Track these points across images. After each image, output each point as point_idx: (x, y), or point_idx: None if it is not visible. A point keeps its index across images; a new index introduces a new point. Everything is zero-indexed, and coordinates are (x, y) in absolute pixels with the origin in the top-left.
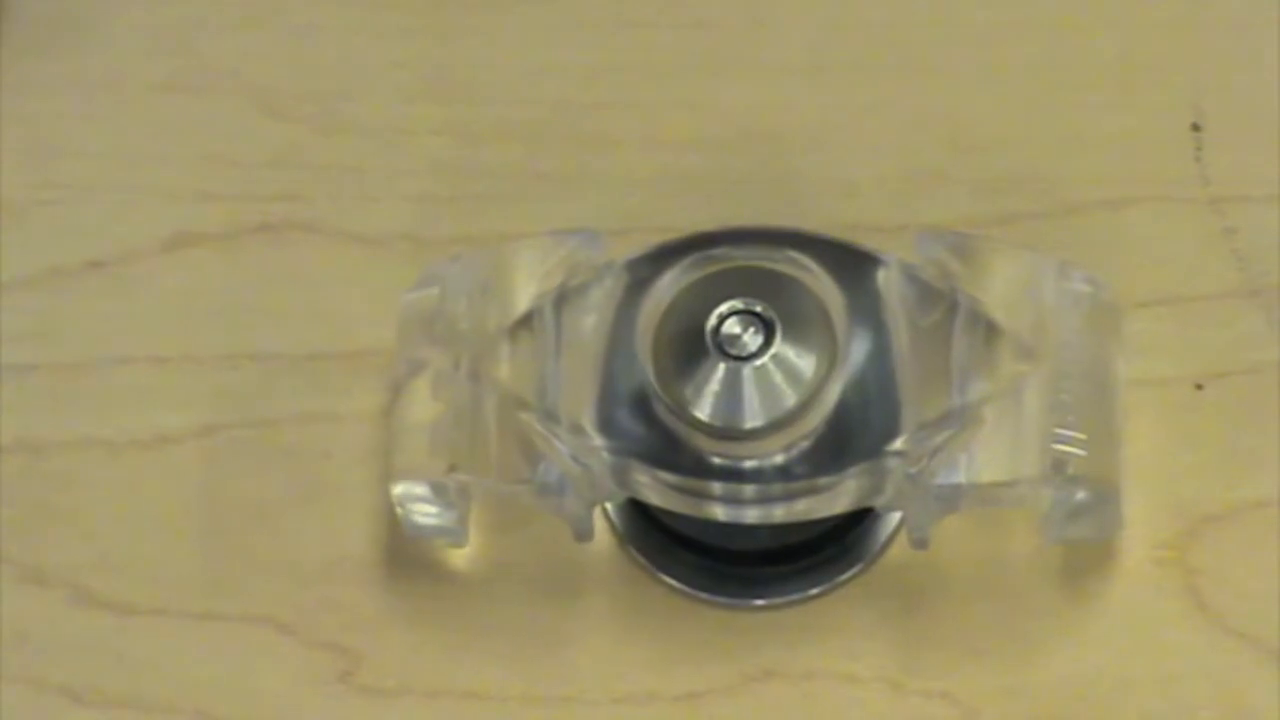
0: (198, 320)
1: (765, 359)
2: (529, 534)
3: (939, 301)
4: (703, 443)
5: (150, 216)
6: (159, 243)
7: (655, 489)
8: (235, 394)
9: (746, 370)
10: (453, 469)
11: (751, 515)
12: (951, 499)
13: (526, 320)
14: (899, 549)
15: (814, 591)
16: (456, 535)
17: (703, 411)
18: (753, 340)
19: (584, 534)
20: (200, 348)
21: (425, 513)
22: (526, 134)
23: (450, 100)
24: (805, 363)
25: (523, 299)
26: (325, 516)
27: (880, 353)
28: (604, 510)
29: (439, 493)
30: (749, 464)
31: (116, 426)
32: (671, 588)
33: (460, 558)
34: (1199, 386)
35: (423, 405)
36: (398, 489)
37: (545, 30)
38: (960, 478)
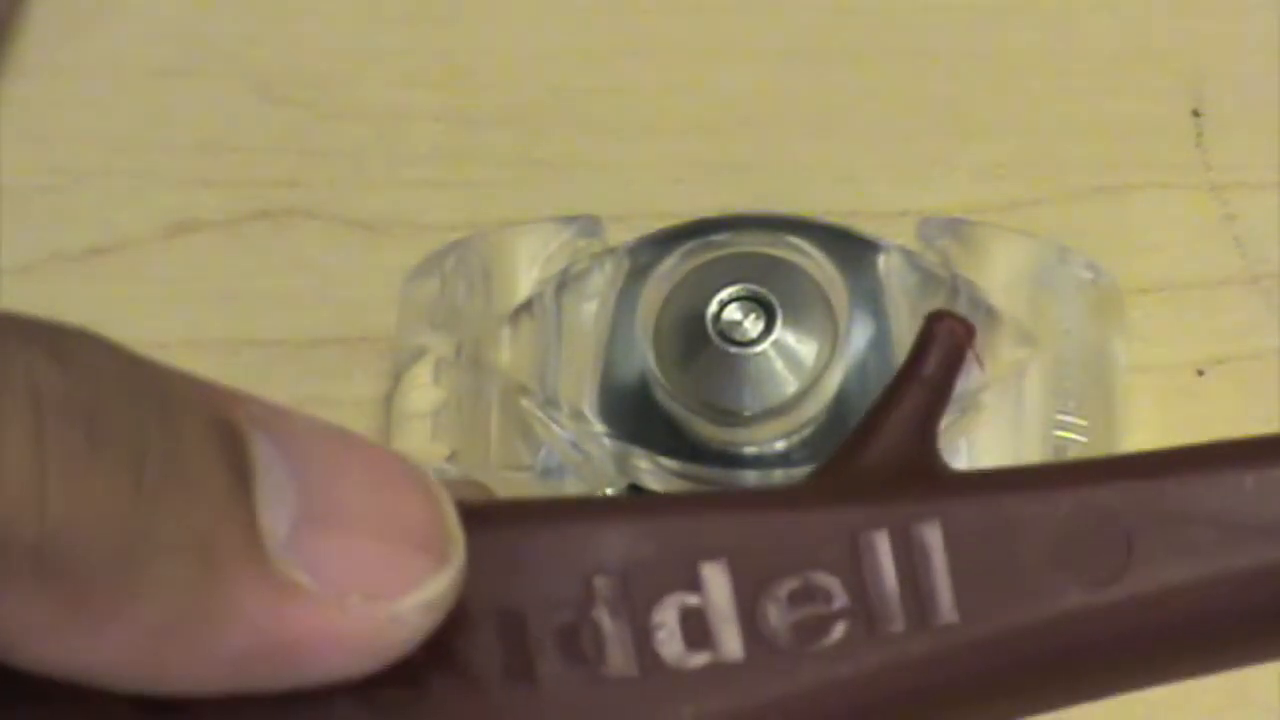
0: (198, 306)
1: (766, 345)
2: None
3: (939, 288)
4: (703, 429)
5: (151, 202)
6: (159, 229)
7: (656, 475)
8: (236, 380)
9: (747, 356)
10: (453, 455)
11: None
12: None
13: (527, 306)
14: None
15: None
16: None
17: (703, 398)
18: (753, 326)
19: None
20: (201, 334)
21: None
22: (527, 120)
23: (450, 86)
24: (806, 349)
25: (523, 285)
26: None
27: (881, 339)
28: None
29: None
30: (749, 450)
31: None
32: None
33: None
34: (1200, 372)
35: (423, 391)
36: None
37: (545, 15)
38: (961, 463)
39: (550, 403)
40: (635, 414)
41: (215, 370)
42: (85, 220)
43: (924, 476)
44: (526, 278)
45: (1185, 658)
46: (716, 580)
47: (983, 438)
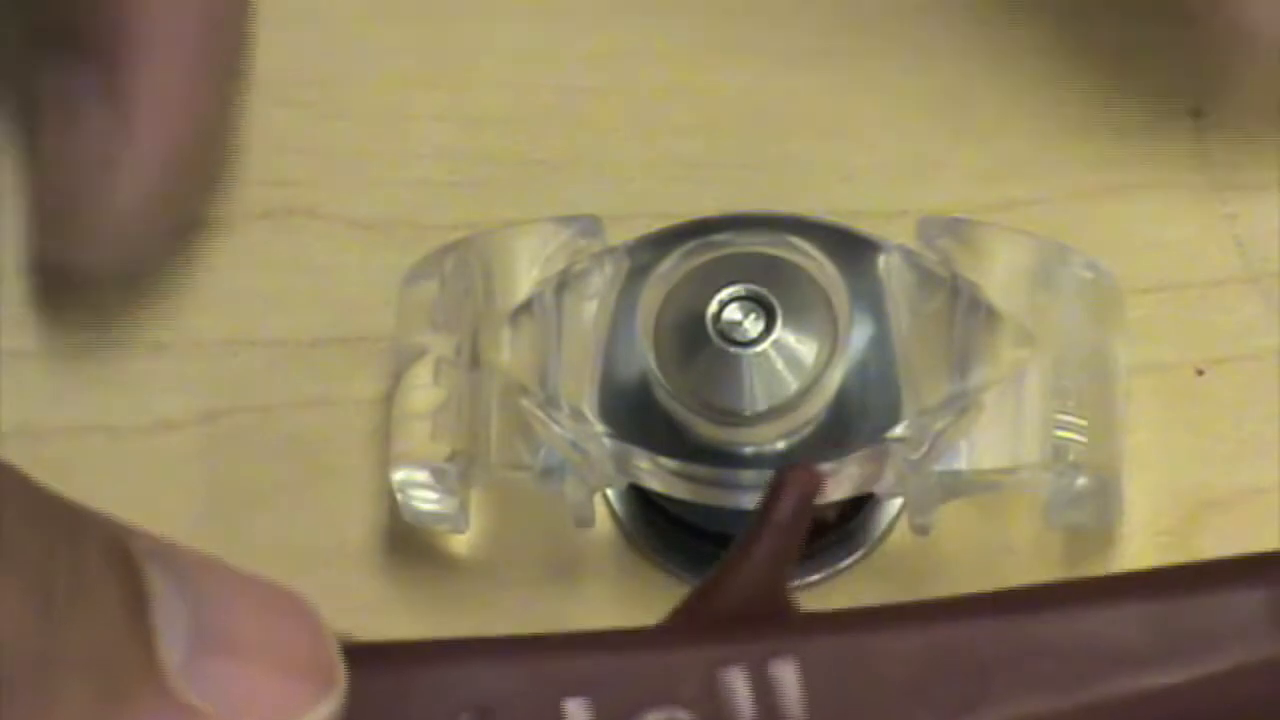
0: (198, 306)
1: (766, 345)
2: (530, 520)
3: (939, 287)
4: (703, 429)
5: None
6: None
7: (656, 475)
8: (236, 380)
9: (747, 356)
10: (453, 455)
11: (752, 501)
12: (952, 485)
13: (527, 306)
14: (900, 535)
15: (815, 578)
16: (456, 521)
17: (703, 398)
18: (753, 326)
19: (585, 520)
20: (201, 333)
21: (425, 499)
22: (528, 119)
23: (451, 86)
24: (806, 349)
25: (524, 285)
26: (325, 502)
27: (881, 339)
28: (604, 496)
29: (439, 479)
30: (749, 450)
31: (117, 412)
32: (673, 574)
33: (461, 544)
34: (1200, 372)
35: (423, 391)
36: (398, 475)
37: (546, 15)
38: (961, 464)
39: (550, 402)
40: (635, 414)
41: (216, 370)
42: None
43: (777, 616)
44: (526, 278)
45: None
46: (579, 716)
47: (983, 438)
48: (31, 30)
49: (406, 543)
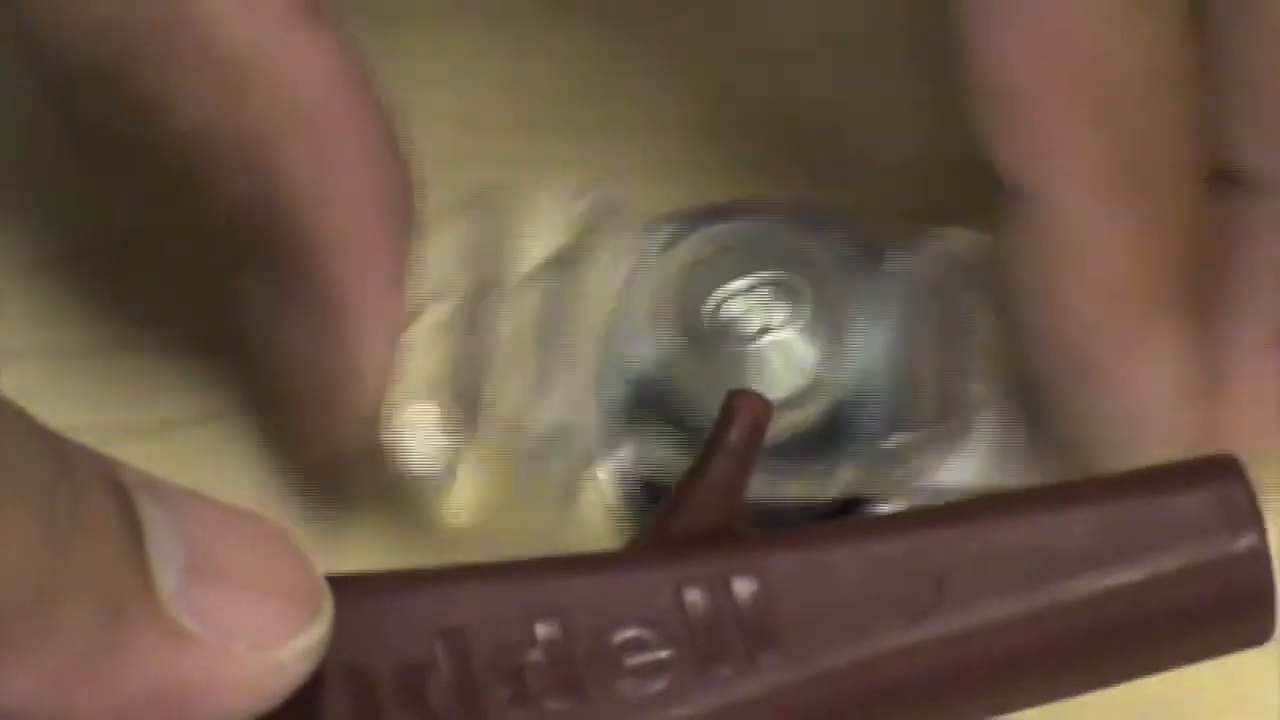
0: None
1: (766, 343)
2: (530, 520)
3: (940, 287)
4: (703, 425)
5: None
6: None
7: (650, 465)
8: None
9: (747, 354)
10: (448, 429)
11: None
12: (944, 498)
13: (531, 278)
14: None
15: None
16: (444, 481)
17: (703, 395)
18: (754, 324)
19: (571, 495)
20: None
21: (417, 460)
22: (532, 119)
23: (455, 86)
24: (806, 348)
25: (529, 256)
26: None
27: (882, 345)
28: (604, 493)
29: (433, 435)
30: None
31: (117, 412)
32: None
33: (461, 544)
34: None
35: (421, 356)
36: (392, 438)
37: (551, 14)
38: (958, 476)
39: (548, 385)
40: (632, 403)
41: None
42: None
43: (736, 537)
44: (533, 249)
45: (1004, 683)
46: (550, 637)
47: (978, 450)
48: (217, 243)
49: (406, 543)
